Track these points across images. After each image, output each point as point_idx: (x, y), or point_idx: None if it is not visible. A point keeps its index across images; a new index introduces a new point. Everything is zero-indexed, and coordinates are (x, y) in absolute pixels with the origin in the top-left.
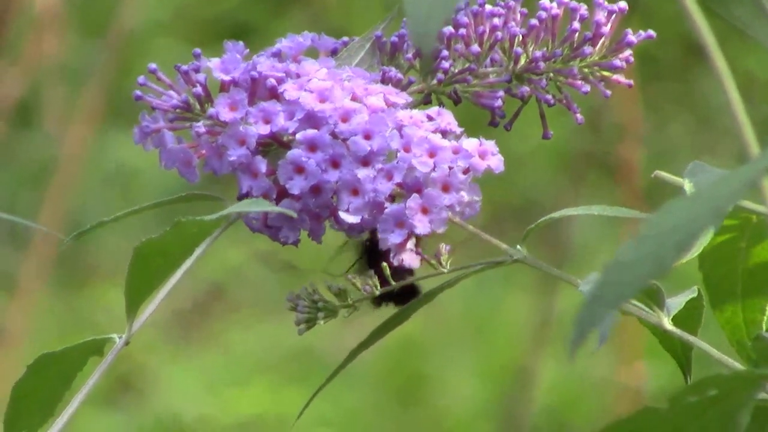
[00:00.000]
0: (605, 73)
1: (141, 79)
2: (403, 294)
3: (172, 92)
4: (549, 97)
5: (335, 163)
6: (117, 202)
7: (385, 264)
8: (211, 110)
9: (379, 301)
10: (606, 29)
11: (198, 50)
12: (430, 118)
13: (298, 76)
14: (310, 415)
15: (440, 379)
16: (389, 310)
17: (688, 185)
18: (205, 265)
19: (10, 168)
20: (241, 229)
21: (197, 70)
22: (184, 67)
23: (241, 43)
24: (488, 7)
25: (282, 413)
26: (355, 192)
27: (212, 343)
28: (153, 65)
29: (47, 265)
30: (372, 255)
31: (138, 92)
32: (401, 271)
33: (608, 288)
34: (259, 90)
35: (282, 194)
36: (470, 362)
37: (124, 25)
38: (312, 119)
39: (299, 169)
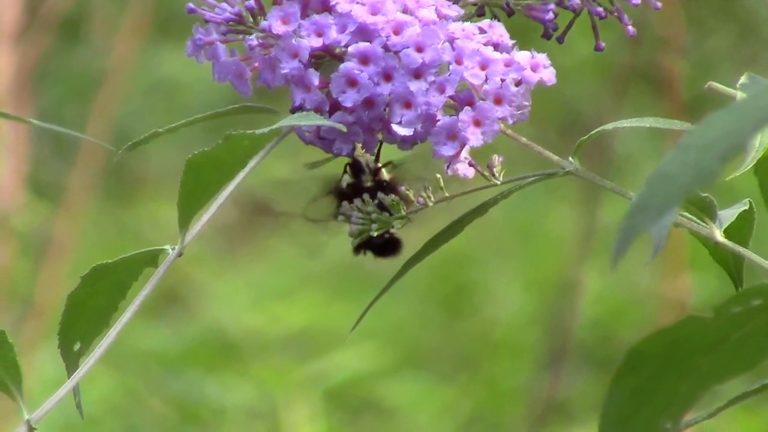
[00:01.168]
0: None
1: None
2: (387, 245)
3: (225, 5)
4: (600, 9)
5: (387, 76)
6: (162, 115)
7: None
8: (263, 23)
9: (357, 249)
10: None
11: None
12: (481, 31)
13: None
14: (360, 326)
15: (486, 290)
16: (441, 224)
17: (741, 96)
18: (254, 178)
19: (58, 81)
20: (289, 143)
21: None
22: None
23: None
24: None
25: (329, 326)
26: (408, 105)
27: (259, 257)
28: None
29: (95, 177)
30: (355, 186)
31: (191, 5)
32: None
33: (652, 198)
34: (311, 3)
35: (335, 107)
36: (516, 274)
37: None
38: (364, 32)
39: (352, 82)
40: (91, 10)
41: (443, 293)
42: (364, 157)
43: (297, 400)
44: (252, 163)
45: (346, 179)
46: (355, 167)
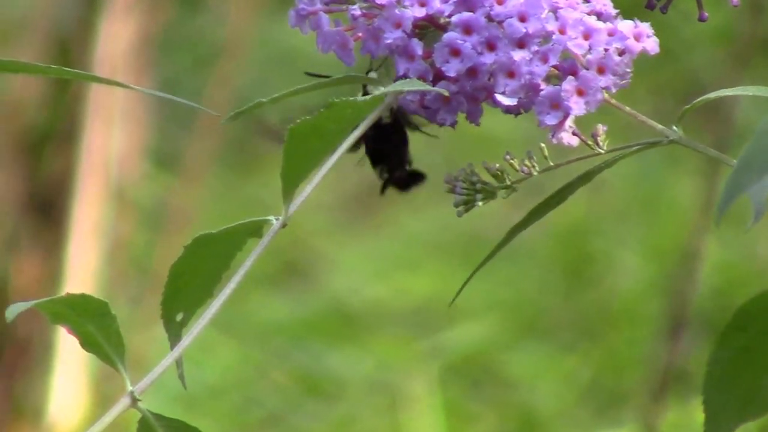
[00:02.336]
0: None
1: None
2: (410, 179)
3: None
4: None
5: (491, 46)
6: (283, 85)
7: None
8: None
9: (384, 187)
10: None
11: None
12: (585, 1)
13: None
14: (480, 297)
15: (607, 259)
16: (550, 191)
17: None
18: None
19: (178, 50)
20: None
21: None
22: None
23: None
24: None
25: (451, 298)
26: (511, 74)
27: (383, 228)
28: None
29: (215, 147)
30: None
31: None
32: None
33: (756, 155)
34: None
35: (438, 77)
36: (637, 243)
37: None
38: (467, 2)
39: (455, 51)
40: None
41: (564, 263)
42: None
43: (416, 371)
44: (356, 132)
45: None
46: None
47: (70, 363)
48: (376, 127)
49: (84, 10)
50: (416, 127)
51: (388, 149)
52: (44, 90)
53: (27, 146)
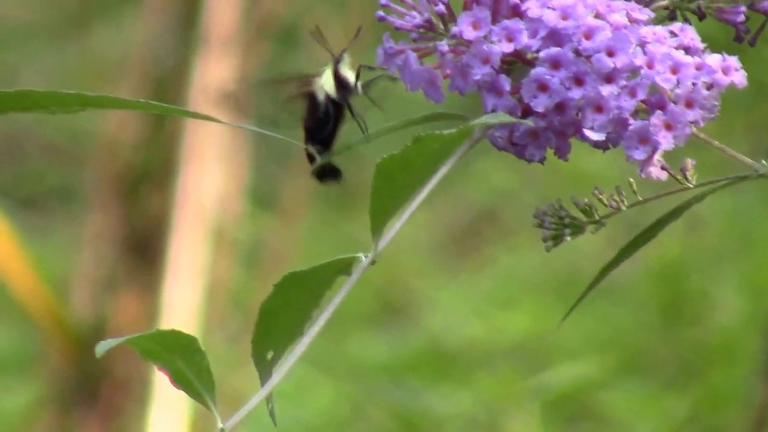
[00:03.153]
0: None
1: (383, 1)
2: (330, 172)
3: (414, 12)
4: None
5: (579, 81)
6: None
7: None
8: (454, 29)
9: (315, 171)
10: None
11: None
12: (673, 34)
13: None
14: (577, 334)
15: (702, 296)
16: (636, 227)
17: None
18: (472, 189)
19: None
20: (506, 156)
21: None
22: None
23: None
24: None
25: (549, 335)
26: (599, 109)
27: (480, 267)
28: None
29: (311, 185)
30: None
31: (380, 13)
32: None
33: None
34: (501, 8)
35: (526, 112)
36: (732, 280)
37: None
38: (555, 37)
39: (543, 86)
40: (308, 16)
41: (661, 300)
42: (347, 73)
43: (515, 409)
44: (444, 169)
45: (325, 89)
46: (341, 83)
47: (167, 401)
48: (320, 104)
49: (181, 48)
50: (359, 117)
51: (325, 128)
52: (141, 130)
53: (124, 186)
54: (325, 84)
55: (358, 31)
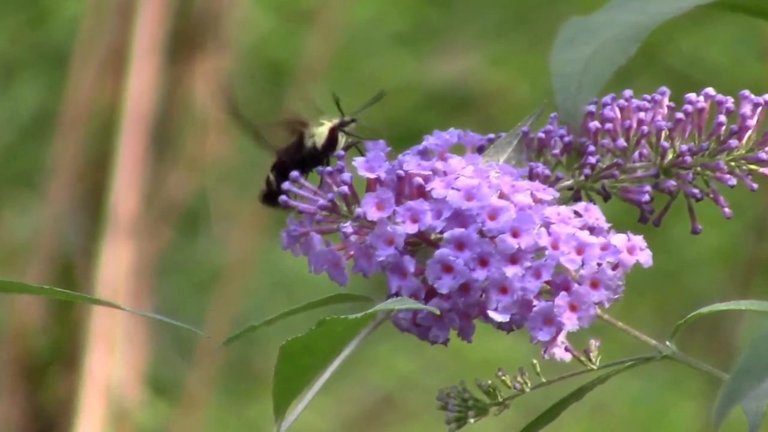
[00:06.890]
0: (752, 167)
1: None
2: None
3: (317, 196)
4: (696, 191)
5: (483, 261)
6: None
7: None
8: (358, 210)
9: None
10: (752, 122)
11: (342, 151)
12: (577, 214)
13: (444, 173)
14: None
15: None
16: (539, 409)
17: None
18: (375, 373)
19: (177, 274)
20: (410, 338)
21: (341, 171)
22: (329, 168)
23: (382, 141)
24: (635, 101)
25: None
26: (504, 290)
27: None
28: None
29: (215, 373)
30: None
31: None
32: None
33: (753, 361)
34: (405, 188)
35: (431, 293)
36: None
37: None
38: (459, 217)
39: (447, 267)
40: (209, 202)
41: None
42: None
43: None
44: (347, 351)
45: (315, 138)
46: (331, 142)
47: None
48: (305, 148)
49: (86, 234)
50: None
51: (297, 168)
52: (46, 314)
53: (29, 371)
54: (318, 135)
55: (379, 95)
